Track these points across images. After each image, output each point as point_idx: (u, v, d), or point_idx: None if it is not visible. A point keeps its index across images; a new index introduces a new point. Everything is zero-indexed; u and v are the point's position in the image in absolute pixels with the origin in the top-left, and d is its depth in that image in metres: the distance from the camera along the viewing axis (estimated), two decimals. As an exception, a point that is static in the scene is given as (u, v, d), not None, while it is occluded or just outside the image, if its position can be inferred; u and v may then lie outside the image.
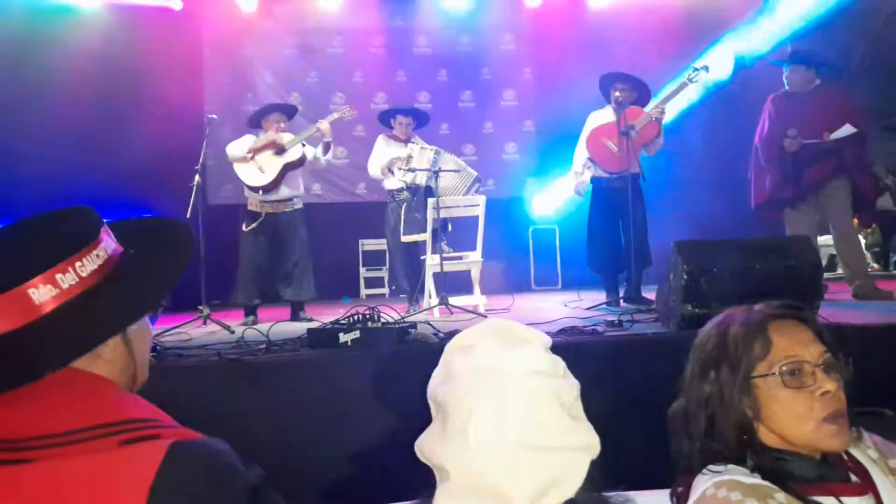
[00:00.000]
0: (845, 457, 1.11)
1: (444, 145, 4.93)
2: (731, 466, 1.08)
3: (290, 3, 7.08)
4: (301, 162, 4.54)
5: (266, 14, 7.01)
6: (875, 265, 7.89)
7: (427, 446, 0.86)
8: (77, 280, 0.90)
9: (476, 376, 0.84)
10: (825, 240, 5.77)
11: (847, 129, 4.06)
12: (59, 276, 0.89)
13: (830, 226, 4.40)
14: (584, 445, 0.84)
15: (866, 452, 1.13)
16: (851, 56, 6.65)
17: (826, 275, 6.24)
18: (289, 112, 4.74)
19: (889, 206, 7.15)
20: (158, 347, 2.81)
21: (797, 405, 1.07)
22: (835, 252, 4.99)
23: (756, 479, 1.05)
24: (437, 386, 0.87)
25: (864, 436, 1.16)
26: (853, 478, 1.09)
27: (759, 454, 1.09)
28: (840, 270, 4.94)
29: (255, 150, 4.44)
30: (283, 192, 4.52)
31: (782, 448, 1.10)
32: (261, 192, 4.46)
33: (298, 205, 4.64)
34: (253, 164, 4.46)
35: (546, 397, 0.82)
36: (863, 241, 7.23)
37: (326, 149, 4.60)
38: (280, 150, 4.47)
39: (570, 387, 0.85)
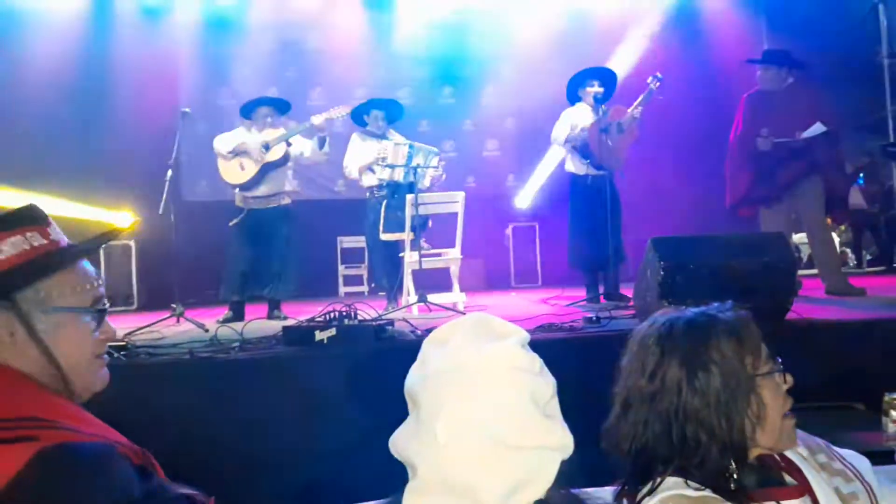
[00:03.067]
0: (777, 457, 1.10)
1: (424, 142, 4.86)
2: (669, 480, 1.04)
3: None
4: (284, 161, 4.48)
5: (244, 7, 6.91)
6: (849, 262, 8.03)
7: (399, 442, 0.85)
8: (23, 249, 0.94)
9: (450, 372, 0.82)
10: (801, 237, 5.85)
11: (818, 128, 4.12)
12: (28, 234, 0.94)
13: (804, 223, 4.46)
14: (557, 445, 0.82)
15: (797, 451, 1.12)
16: (827, 55, 6.75)
17: (803, 271, 6.35)
18: (279, 106, 4.64)
19: (860, 204, 7.27)
20: (129, 346, 2.75)
21: (780, 403, 1.06)
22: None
23: (702, 492, 1.02)
24: (413, 380, 0.86)
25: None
26: (788, 479, 1.09)
27: (747, 463, 1.06)
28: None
29: (239, 152, 4.40)
30: (263, 189, 4.46)
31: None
32: (239, 188, 4.41)
33: (285, 201, 4.58)
34: (235, 162, 4.43)
35: (520, 395, 0.81)
36: (837, 239, 7.36)
37: (322, 143, 4.52)
38: (264, 147, 4.41)
39: (546, 384, 0.84)
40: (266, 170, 4.42)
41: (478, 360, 0.82)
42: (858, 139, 7.06)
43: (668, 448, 1.06)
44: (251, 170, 4.40)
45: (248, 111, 4.58)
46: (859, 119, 7.20)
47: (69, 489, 0.78)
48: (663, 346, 1.09)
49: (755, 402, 1.05)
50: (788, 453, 1.11)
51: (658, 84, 4.43)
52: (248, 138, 4.47)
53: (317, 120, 4.42)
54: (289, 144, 4.50)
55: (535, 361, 0.84)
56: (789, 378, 1.08)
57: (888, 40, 7.29)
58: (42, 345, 0.94)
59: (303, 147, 4.57)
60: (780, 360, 1.09)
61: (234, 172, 4.43)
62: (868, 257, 7.96)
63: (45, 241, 0.98)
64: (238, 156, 4.41)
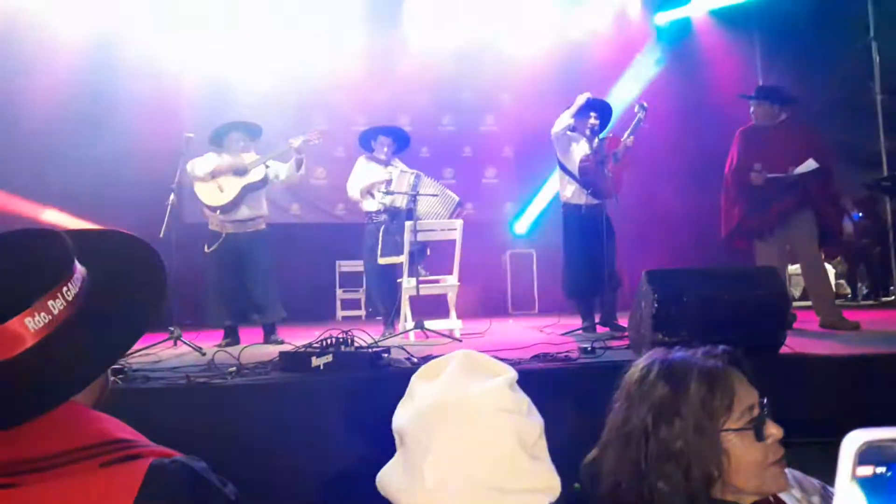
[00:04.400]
0: (772, 499, 1.10)
1: (424, 168, 4.92)
2: None
3: (272, 24, 7.12)
4: (263, 183, 4.51)
5: (248, 35, 7.03)
6: (844, 294, 8.06)
7: (386, 480, 0.86)
8: (64, 305, 0.89)
9: (437, 410, 0.82)
10: (796, 268, 5.90)
11: (810, 165, 4.19)
12: (50, 303, 0.87)
13: (798, 256, 4.51)
14: (543, 487, 0.82)
15: (791, 492, 1.12)
16: (821, 90, 6.87)
17: (798, 303, 6.38)
18: (250, 131, 4.62)
19: (851, 237, 7.33)
20: (126, 369, 2.76)
21: (758, 454, 1.05)
22: (806, 282, 5.08)
23: None
24: (400, 417, 0.86)
25: (787, 474, 1.15)
26: None
27: None
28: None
29: (217, 173, 4.40)
30: (243, 212, 4.46)
31: (727, 500, 1.07)
32: (218, 211, 4.42)
33: (261, 225, 4.58)
34: (213, 184, 4.41)
35: (507, 437, 0.81)
36: (832, 272, 7.41)
37: (299, 165, 4.54)
38: (242, 170, 4.43)
39: (533, 425, 0.84)
40: (246, 192, 4.44)
41: (465, 401, 0.82)
42: (852, 173, 7.14)
43: (635, 494, 1.06)
44: (231, 192, 4.40)
45: (219, 137, 4.56)
46: (853, 153, 7.30)
47: (199, 492, 0.81)
48: (638, 391, 1.10)
49: (722, 457, 1.03)
50: (782, 495, 1.11)
51: (644, 113, 4.50)
52: (221, 162, 4.45)
53: (294, 143, 4.45)
54: (266, 167, 4.53)
55: (523, 402, 0.84)
56: (776, 430, 1.05)
57: (881, 76, 7.43)
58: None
59: (278, 169, 4.59)
60: (765, 407, 1.06)
61: (214, 194, 4.40)
62: (864, 291, 8.00)
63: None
64: (216, 178, 4.41)
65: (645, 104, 4.55)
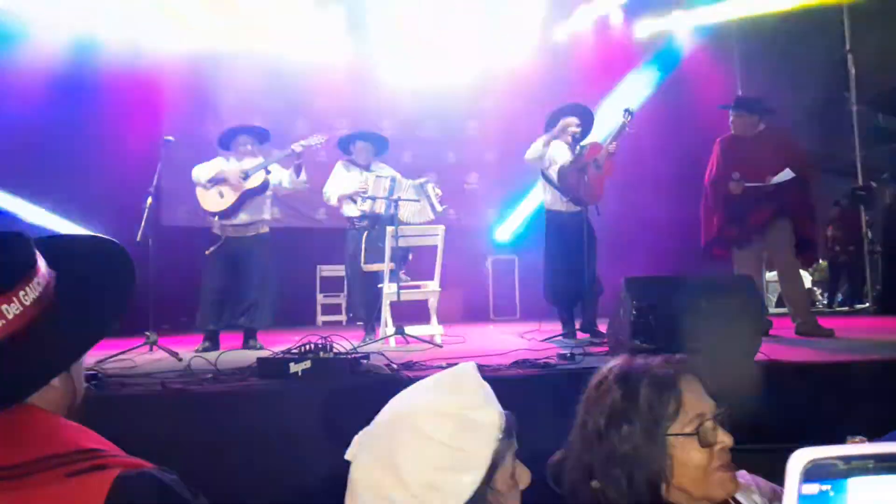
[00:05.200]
0: (731, 502, 1.12)
1: (406, 173, 4.92)
2: None
3: (255, 31, 7.08)
4: (263, 188, 4.50)
5: (232, 37, 6.99)
6: (818, 302, 8.20)
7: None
8: (21, 310, 0.88)
9: (380, 422, 0.87)
10: (773, 276, 5.99)
11: (787, 174, 4.27)
12: (4, 307, 0.87)
13: (775, 264, 4.58)
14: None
15: (752, 497, 1.14)
16: (798, 101, 7.00)
17: (775, 310, 6.48)
18: (257, 135, 4.64)
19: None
20: (100, 375, 2.71)
21: (702, 460, 1.06)
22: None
23: None
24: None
25: (749, 479, 1.18)
26: None
27: None
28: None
29: (217, 180, 4.40)
30: (243, 217, 4.47)
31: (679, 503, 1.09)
32: (218, 217, 4.41)
33: (263, 229, 4.58)
34: (214, 190, 4.43)
35: (433, 450, 0.84)
36: (809, 279, 7.53)
37: (298, 171, 4.54)
38: (243, 175, 4.43)
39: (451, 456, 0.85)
40: (245, 197, 4.43)
41: (404, 413, 0.86)
42: (829, 183, 7.28)
43: (590, 496, 1.08)
44: (230, 197, 4.41)
45: (227, 140, 4.59)
46: (829, 163, 7.44)
47: None
48: (595, 395, 1.12)
49: (667, 462, 1.05)
50: (743, 500, 1.13)
51: (630, 117, 4.52)
52: (227, 167, 4.48)
53: (297, 147, 4.44)
54: (268, 172, 4.51)
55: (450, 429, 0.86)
56: (726, 438, 1.07)
57: (856, 87, 7.59)
58: (71, 373, 0.95)
59: (281, 176, 4.59)
60: (718, 416, 1.08)
61: (214, 201, 4.43)
62: (839, 297, 8.14)
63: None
64: (217, 184, 4.42)
65: (631, 108, 4.56)
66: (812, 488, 0.39)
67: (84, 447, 0.83)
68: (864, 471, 0.40)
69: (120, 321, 1.01)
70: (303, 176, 4.57)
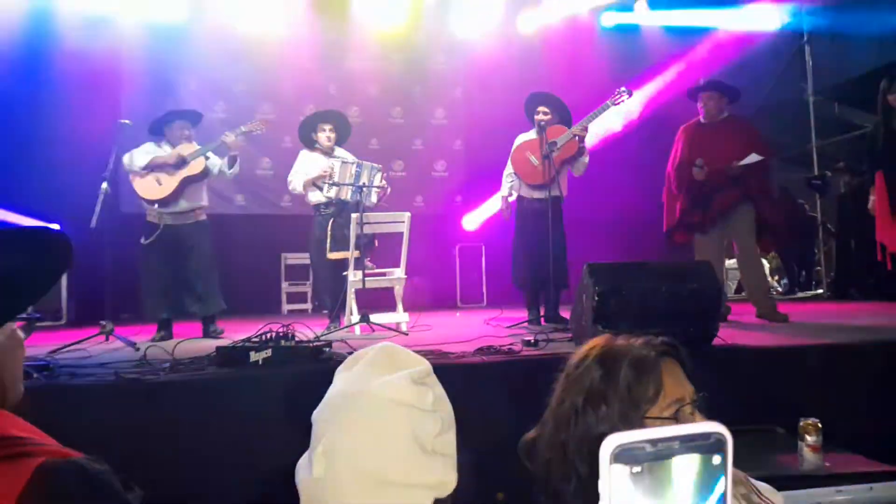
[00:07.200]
0: None
1: (374, 160, 4.83)
2: None
3: (219, 11, 6.89)
4: (204, 175, 4.39)
5: (194, 19, 6.79)
6: (778, 289, 8.43)
7: (297, 471, 0.85)
8: None
9: (338, 400, 0.83)
10: (733, 263, 6.12)
11: (753, 158, 4.34)
12: None
13: (736, 248, 4.68)
14: (433, 483, 0.81)
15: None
16: (757, 92, 7.14)
17: (735, 296, 6.63)
18: (192, 119, 4.51)
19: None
20: (51, 365, 2.62)
21: None
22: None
23: None
24: (318, 407, 0.86)
25: None
26: None
27: None
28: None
29: (153, 167, 4.27)
30: (182, 205, 4.34)
31: None
32: (157, 205, 4.29)
33: (202, 216, 4.47)
34: (150, 177, 4.28)
35: (399, 430, 0.80)
36: (766, 266, 7.72)
37: (232, 162, 4.43)
38: (181, 161, 4.30)
39: (434, 421, 0.83)
40: (185, 184, 4.32)
41: (364, 392, 0.82)
42: (785, 172, 7.46)
43: (562, 474, 1.06)
44: (170, 185, 4.28)
45: (160, 126, 4.43)
46: (786, 153, 7.62)
47: (89, 497, 0.78)
48: (574, 373, 1.10)
49: None
50: None
51: (628, 96, 4.53)
52: (161, 153, 4.33)
53: (229, 138, 4.32)
54: (207, 157, 4.41)
55: (426, 396, 0.83)
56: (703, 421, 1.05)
57: (813, 79, 7.78)
58: None
59: (217, 162, 4.48)
60: (697, 402, 1.06)
61: (151, 188, 4.27)
62: (790, 283, 8.39)
63: None
64: (153, 171, 4.28)
65: (624, 89, 4.54)
66: (623, 470, 0.42)
67: (8, 434, 0.80)
68: (671, 452, 0.43)
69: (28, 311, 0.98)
70: (235, 168, 4.47)
